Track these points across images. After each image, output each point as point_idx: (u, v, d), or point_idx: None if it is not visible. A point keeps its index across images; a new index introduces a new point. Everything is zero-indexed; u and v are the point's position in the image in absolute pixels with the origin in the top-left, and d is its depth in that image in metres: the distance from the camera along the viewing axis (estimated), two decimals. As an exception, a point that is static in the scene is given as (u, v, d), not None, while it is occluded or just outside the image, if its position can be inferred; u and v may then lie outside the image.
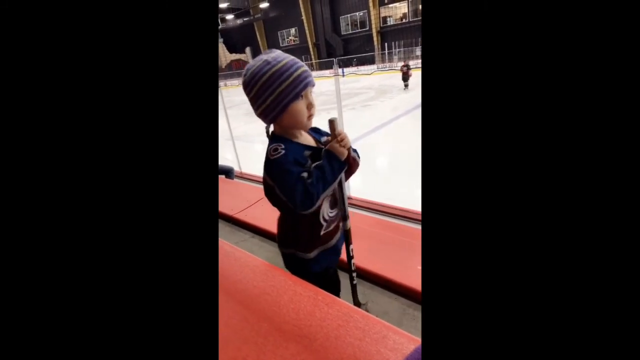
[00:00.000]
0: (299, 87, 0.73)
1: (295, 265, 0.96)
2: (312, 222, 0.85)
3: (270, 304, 0.74)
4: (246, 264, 1.00)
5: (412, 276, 1.31)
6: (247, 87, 0.76)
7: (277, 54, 0.76)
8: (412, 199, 1.98)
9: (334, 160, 0.77)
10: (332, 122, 0.78)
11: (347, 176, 0.89)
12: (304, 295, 0.75)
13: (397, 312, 1.22)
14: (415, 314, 1.23)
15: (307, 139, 0.85)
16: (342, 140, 0.78)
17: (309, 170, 0.75)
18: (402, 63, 10.70)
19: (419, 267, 1.35)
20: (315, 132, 0.89)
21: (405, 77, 10.01)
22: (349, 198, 2.10)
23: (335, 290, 1.06)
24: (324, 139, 0.87)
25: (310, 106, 0.77)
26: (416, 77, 10.39)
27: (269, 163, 0.75)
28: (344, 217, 0.92)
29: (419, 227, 1.71)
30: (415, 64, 14.33)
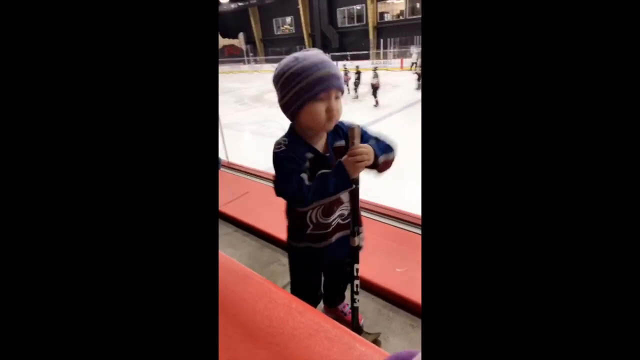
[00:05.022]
0: (316, 87, 0.72)
1: (289, 249, 0.98)
2: (299, 218, 0.86)
3: (245, 310, 0.75)
4: (226, 268, 1.00)
5: (389, 278, 1.33)
6: (275, 80, 0.78)
7: (311, 53, 0.76)
8: (399, 198, 1.97)
9: (342, 176, 0.73)
10: (351, 131, 0.74)
11: (381, 169, 0.82)
12: (278, 302, 0.76)
13: (372, 313, 1.25)
14: (390, 314, 1.26)
15: (319, 142, 0.83)
16: (355, 155, 0.73)
17: (312, 173, 0.76)
18: (412, 61, 9.39)
19: (398, 270, 1.38)
20: (335, 128, 0.83)
21: (356, 84, 8.57)
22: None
23: (310, 299, 1.03)
24: (337, 143, 0.84)
25: (329, 109, 0.75)
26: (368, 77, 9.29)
27: (273, 154, 0.78)
28: (352, 232, 0.87)
29: (402, 227, 1.72)
30: (413, 63, 14.17)
